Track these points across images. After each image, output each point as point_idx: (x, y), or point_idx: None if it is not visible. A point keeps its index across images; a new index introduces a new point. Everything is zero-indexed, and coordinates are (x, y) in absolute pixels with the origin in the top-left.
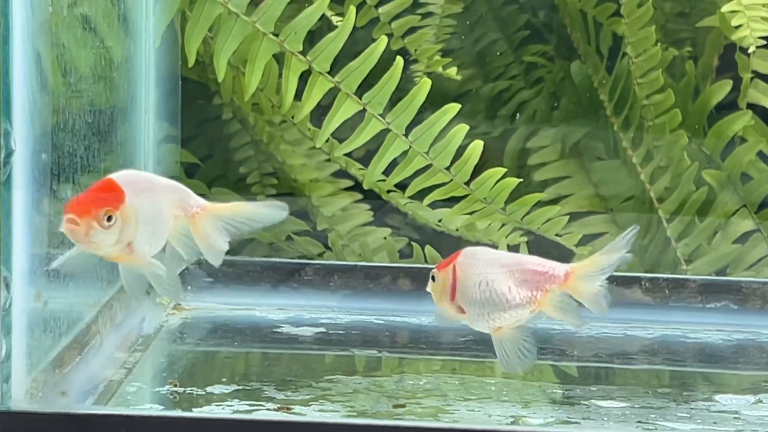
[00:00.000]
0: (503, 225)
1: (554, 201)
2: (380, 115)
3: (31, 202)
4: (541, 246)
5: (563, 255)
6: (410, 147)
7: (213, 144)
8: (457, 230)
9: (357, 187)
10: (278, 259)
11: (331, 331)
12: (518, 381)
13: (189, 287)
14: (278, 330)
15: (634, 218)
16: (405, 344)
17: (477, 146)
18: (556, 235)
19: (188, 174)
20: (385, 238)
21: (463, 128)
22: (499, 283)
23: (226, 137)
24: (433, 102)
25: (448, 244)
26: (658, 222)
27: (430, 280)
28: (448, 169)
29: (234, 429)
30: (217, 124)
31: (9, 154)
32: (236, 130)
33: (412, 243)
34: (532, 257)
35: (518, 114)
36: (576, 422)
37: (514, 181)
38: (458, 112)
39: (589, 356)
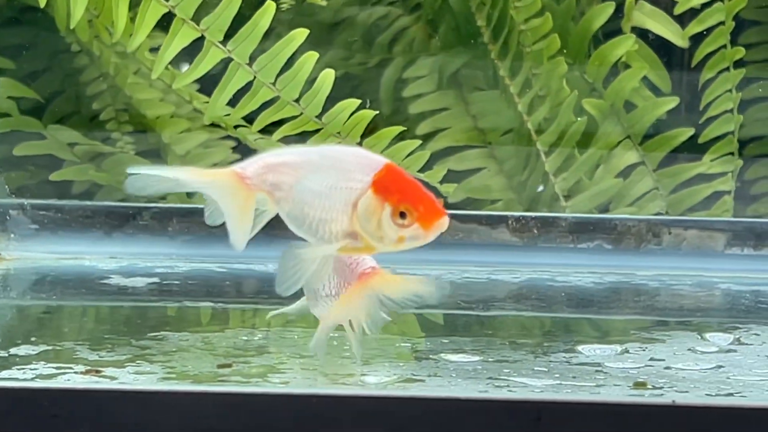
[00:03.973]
0: None
1: (430, 135)
2: (221, 42)
3: None
4: None
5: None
6: (255, 77)
7: (64, 79)
8: None
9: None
10: (111, 202)
11: (165, 282)
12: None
13: (12, 235)
14: (106, 281)
15: (512, 151)
16: (247, 294)
17: (328, 76)
18: (419, 171)
19: (29, 111)
20: None
21: (312, 56)
22: None
23: (76, 71)
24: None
25: None
26: (537, 155)
27: None
28: (297, 101)
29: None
30: (67, 58)
31: None
32: (86, 64)
33: None
34: None
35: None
36: (420, 380)
37: (369, 114)
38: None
39: (448, 304)
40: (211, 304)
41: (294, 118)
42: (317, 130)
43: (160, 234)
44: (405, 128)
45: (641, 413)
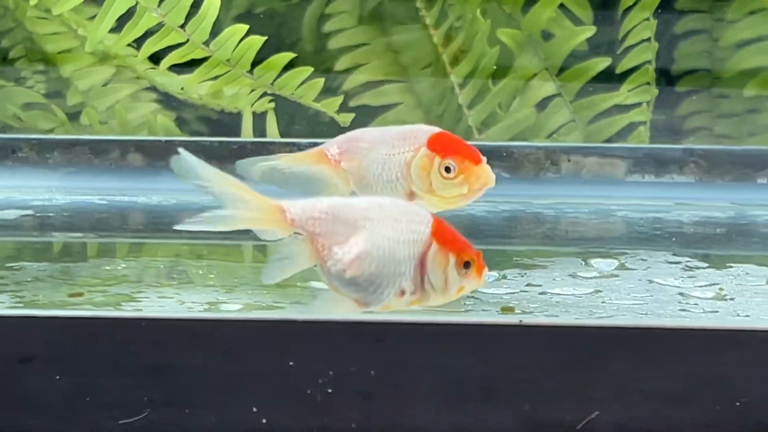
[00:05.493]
0: (252, 90)
1: (349, 70)
2: None
3: None
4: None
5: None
6: (137, 3)
7: None
8: (200, 98)
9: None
10: None
11: (39, 214)
12: (234, 264)
13: None
14: None
15: (430, 85)
16: (124, 227)
17: (213, 0)
18: (314, 101)
19: None
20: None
21: None
22: None
23: None
24: None
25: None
26: (453, 88)
27: None
28: (182, 27)
29: None
30: None
31: None
32: None
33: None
34: None
35: None
36: (280, 306)
37: (259, 40)
38: None
39: None
40: (82, 235)
41: (180, 45)
42: (205, 58)
43: (40, 166)
44: (296, 55)
45: (487, 333)
